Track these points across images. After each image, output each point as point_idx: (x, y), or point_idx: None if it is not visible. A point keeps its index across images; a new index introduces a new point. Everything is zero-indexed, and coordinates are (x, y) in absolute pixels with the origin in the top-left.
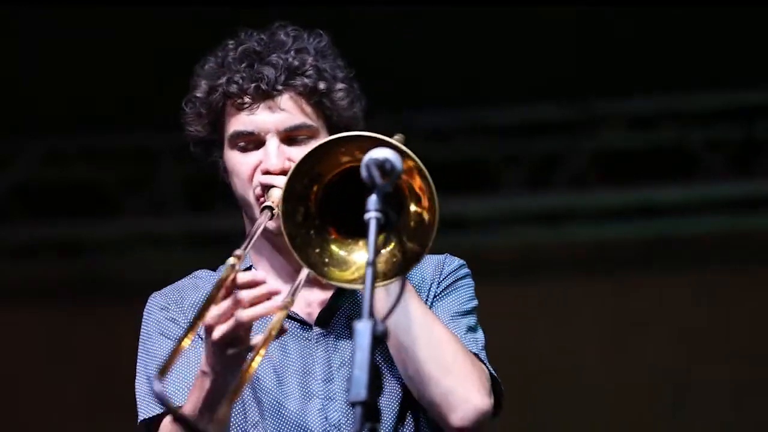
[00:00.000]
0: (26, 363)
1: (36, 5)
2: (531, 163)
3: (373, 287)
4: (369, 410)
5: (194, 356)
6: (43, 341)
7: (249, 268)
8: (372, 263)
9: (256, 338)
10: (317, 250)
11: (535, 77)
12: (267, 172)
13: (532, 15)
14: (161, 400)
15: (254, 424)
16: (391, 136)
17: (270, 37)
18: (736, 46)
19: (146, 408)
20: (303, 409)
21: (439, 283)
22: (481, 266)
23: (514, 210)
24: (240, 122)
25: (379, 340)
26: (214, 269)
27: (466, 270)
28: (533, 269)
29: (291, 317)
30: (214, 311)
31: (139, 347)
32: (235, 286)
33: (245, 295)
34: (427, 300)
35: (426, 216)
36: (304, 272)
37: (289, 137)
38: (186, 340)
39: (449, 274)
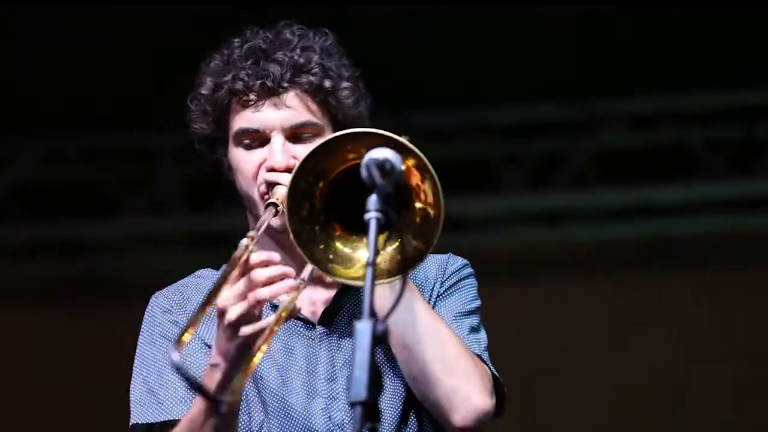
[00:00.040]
0: (26, 363)
1: (36, 5)
2: (531, 163)
3: (373, 287)
4: (369, 410)
5: (193, 362)
6: (43, 341)
7: None
8: (372, 263)
9: (269, 318)
10: (321, 246)
11: (535, 77)
12: (272, 170)
13: (532, 15)
14: (180, 371)
15: (259, 424)
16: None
17: (276, 35)
18: (736, 46)
19: (141, 413)
20: (307, 408)
21: (442, 283)
22: (481, 266)
23: (514, 210)
24: (245, 119)
25: (380, 339)
26: (216, 269)
27: (469, 270)
28: (533, 269)
29: (295, 316)
30: (227, 292)
31: (138, 349)
32: (249, 266)
33: (260, 274)
34: (430, 299)
35: (432, 212)
36: (309, 268)
37: (294, 135)
38: (195, 325)
39: (452, 273)
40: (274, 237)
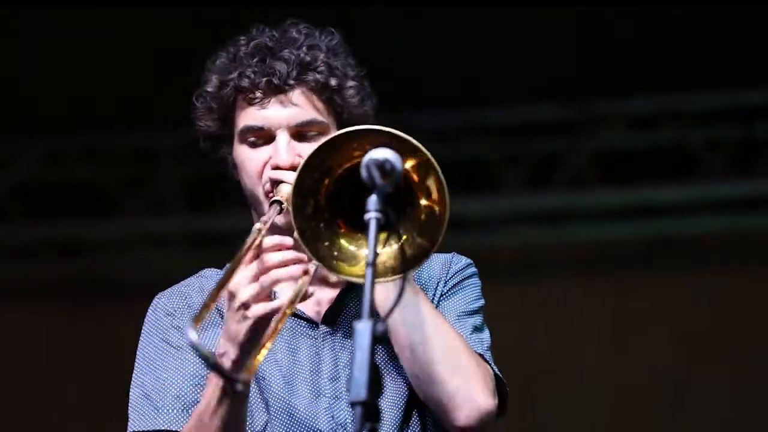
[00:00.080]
0: (26, 363)
1: (36, 5)
2: (531, 163)
3: (372, 287)
4: (369, 410)
5: (191, 369)
6: (43, 341)
7: None
8: (372, 264)
9: (282, 300)
10: (326, 244)
11: (535, 77)
12: (277, 168)
13: (532, 15)
14: (195, 349)
15: (262, 425)
16: None
17: (282, 34)
18: (736, 46)
19: (140, 421)
20: (311, 408)
21: (446, 282)
22: (481, 266)
23: (514, 210)
24: (250, 117)
25: (381, 339)
26: (220, 268)
27: (473, 269)
28: (533, 269)
29: (299, 316)
30: (239, 276)
31: (139, 351)
32: (262, 250)
33: (273, 257)
34: (433, 298)
35: (437, 209)
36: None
37: (300, 133)
38: (211, 305)
39: (456, 273)
40: (279, 235)
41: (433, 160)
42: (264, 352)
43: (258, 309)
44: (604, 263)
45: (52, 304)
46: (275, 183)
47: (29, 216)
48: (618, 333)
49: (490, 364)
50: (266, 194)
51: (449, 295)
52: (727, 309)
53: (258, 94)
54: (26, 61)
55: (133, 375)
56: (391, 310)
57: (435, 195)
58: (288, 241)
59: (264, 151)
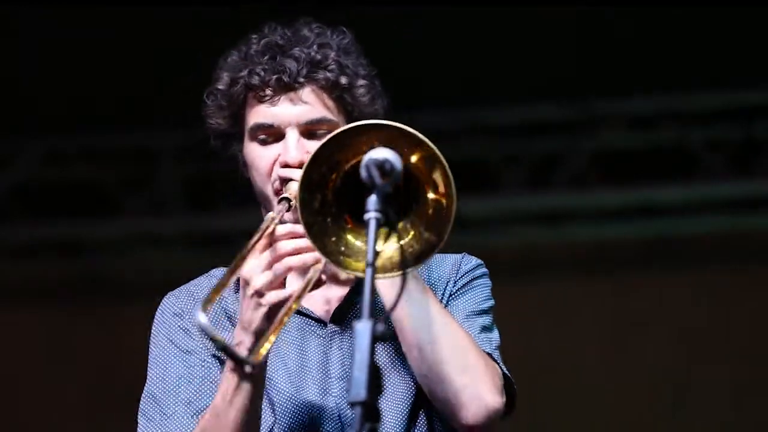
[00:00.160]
0: (26, 363)
1: (36, 5)
2: (531, 163)
3: (372, 288)
4: (369, 410)
5: (200, 373)
6: (43, 341)
7: None
8: (371, 264)
9: (294, 287)
10: (333, 239)
11: (535, 77)
12: (286, 165)
13: (532, 15)
14: (206, 332)
15: (269, 425)
16: None
17: (293, 32)
18: (736, 46)
19: (145, 425)
20: (318, 406)
21: (455, 282)
22: None
23: (514, 210)
24: (261, 114)
25: (384, 338)
26: None
27: (483, 269)
28: (533, 269)
29: (307, 314)
30: (252, 263)
31: (149, 353)
32: (275, 238)
33: (286, 245)
34: (443, 298)
35: (444, 203)
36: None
37: (309, 131)
38: (222, 289)
39: (466, 273)
40: None
41: (439, 153)
42: (267, 345)
43: (272, 296)
44: (604, 263)
45: (52, 304)
46: (284, 181)
47: (29, 216)
48: (618, 333)
49: (498, 364)
50: (276, 192)
51: (458, 295)
52: (727, 309)
53: (268, 91)
54: (26, 61)
55: (147, 382)
56: (395, 304)
57: (442, 188)
58: (300, 229)
59: (274, 149)
